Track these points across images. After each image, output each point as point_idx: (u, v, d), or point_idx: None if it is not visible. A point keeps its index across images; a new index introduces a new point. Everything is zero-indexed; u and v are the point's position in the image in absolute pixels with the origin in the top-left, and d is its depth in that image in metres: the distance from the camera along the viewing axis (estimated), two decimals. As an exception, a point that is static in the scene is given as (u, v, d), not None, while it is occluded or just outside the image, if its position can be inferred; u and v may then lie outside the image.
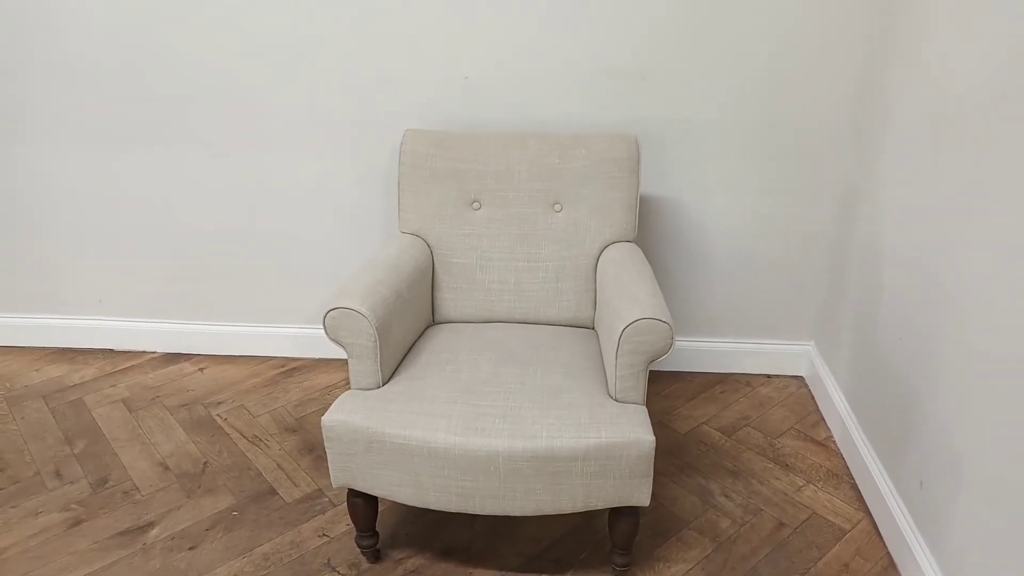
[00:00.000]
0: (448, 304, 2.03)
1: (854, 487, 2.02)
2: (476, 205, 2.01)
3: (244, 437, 2.23)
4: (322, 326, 1.66)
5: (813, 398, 2.40)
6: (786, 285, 2.39)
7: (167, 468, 2.10)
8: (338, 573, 1.76)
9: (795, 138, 2.18)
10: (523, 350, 1.81)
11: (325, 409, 2.35)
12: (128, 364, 2.60)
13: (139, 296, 2.59)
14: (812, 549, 1.82)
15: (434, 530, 1.88)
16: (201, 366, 2.59)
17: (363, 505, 1.70)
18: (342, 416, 1.59)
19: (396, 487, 1.60)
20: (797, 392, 2.44)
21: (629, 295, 1.66)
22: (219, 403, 2.39)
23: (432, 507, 1.60)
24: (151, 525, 1.90)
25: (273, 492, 2.01)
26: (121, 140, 2.34)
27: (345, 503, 1.96)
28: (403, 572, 1.76)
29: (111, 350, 2.68)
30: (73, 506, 1.96)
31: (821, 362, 2.37)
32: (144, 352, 2.67)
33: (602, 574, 1.76)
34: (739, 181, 2.25)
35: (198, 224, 2.45)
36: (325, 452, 2.16)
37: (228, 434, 2.24)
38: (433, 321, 2.05)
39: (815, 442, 2.20)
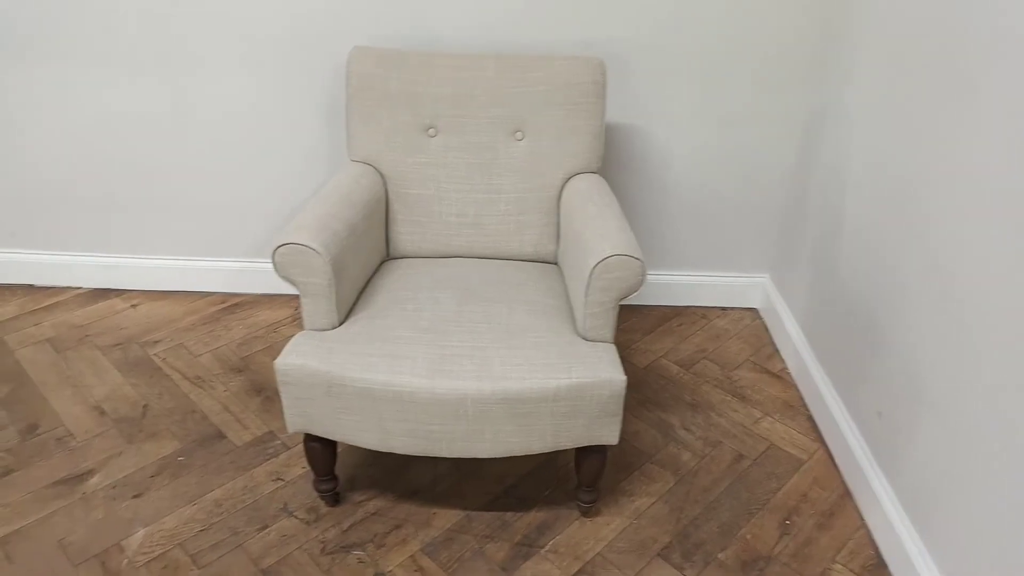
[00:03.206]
0: (403, 238, 1.92)
1: (809, 418, 2.05)
2: (431, 132, 1.88)
3: (186, 378, 2.10)
4: (272, 263, 1.54)
5: (767, 330, 2.41)
6: (744, 217, 2.36)
7: (103, 412, 1.97)
8: (296, 518, 1.70)
9: (759, 65, 2.11)
10: (486, 287, 1.73)
11: (271, 347, 2.24)
12: (51, 301, 2.41)
13: (60, 227, 2.38)
14: (771, 480, 1.85)
15: (395, 471, 1.83)
16: (133, 302, 2.43)
17: (321, 449, 1.63)
18: (298, 359, 1.49)
19: (358, 432, 1.52)
20: (752, 324, 2.45)
21: (598, 230, 1.59)
22: (156, 342, 2.25)
23: (397, 451, 1.54)
24: (90, 473, 1.79)
25: (221, 435, 1.92)
26: (36, 60, 2.10)
27: (299, 445, 1.89)
28: (364, 515, 1.71)
29: (31, 285, 2.48)
30: (1, 455, 1.83)
31: (776, 294, 2.37)
32: (68, 288, 2.48)
33: (567, 510, 1.74)
34: (701, 109, 2.18)
35: (125, 153, 2.25)
36: (274, 393, 2.06)
37: (168, 375, 2.11)
38: (388, 256, 1.95)
39: (770, 374, 2.22)
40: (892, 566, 1.62)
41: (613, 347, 1.58)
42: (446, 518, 1.71)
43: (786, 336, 2.25)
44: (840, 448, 1.88)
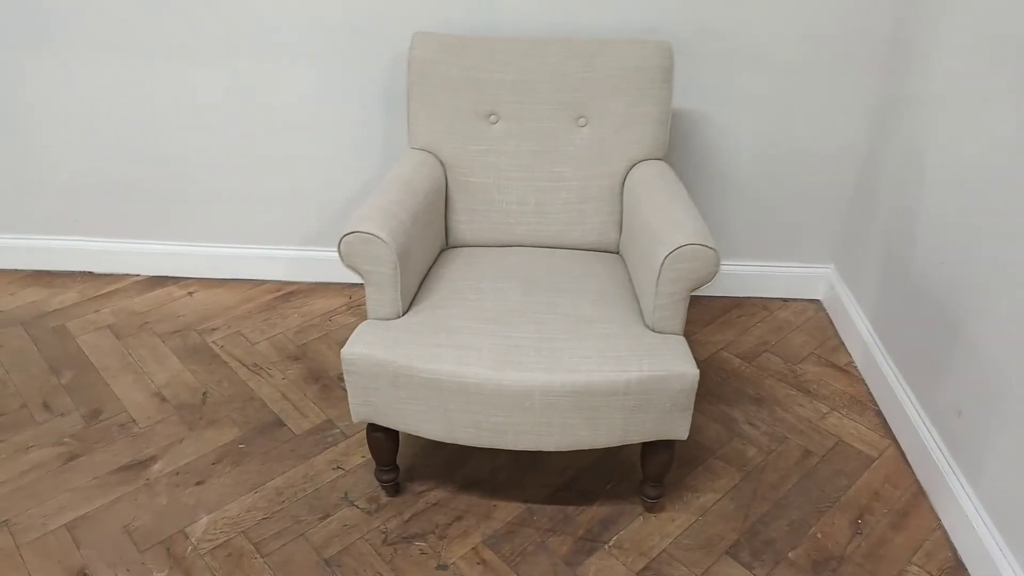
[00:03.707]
0: (463, 227, 1.90)
1: (879, 414, 1.98)
2: (493, 118, 1.85)
3: (244, 366, 2.11)
4: (337, 252, 1.53)
5: (832, 322, 2.34)
6: (808, 206, 2.28)
7: (164, 399, 1.98)
8: (357, 507, 1.69)
9: (827, 49, 2.03)
10: (549, 277, 1.69)
11: (327, 336, 2.23)
12: (111, 288, 2.44)
13: (119, 215, 2.40)
14: (841, 477, 1.79)
15: (455, 462, 1.81)
16: (190, 290, 2.44)
17: (384, 439, 1.61)
18: (364, 349, 1.47)
19: (423, 423, 1.50)
20: (815, 316, 2.38)
21: (668, 219, 1.55)
22: (213, 329, 2.26)
23: (462, 443, 1.52)
24: (153, 459, 1.80)
25: (280, 423, 1.91)
26: (98, 49, 2.11)
27: (358, 434, 1.88)
28: (424, 505, 1.70)
29: (91, 273, 2.51)
30: (66, 440, 1.85)
31: (842, 286, 2.30)
32: (127, 275, 2.50)
33: (630, 504, 1.71)
34: (766, 94, 2.11)
35: (181, 141, 2.25)
36: (332, 381, 2.06)
37: (226, 362, 2.12)
38: (446, 245, 1.92)
39: (836, 367, 2.15)
40: (971, 568, 1.55)
41: (683, 339, 1.53)
42: (507, 510, 1.69)
43: (853, 329, 2.18)
44: (913, 445, 1.81)
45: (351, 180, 2.30)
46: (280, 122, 2.22)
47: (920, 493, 1.75)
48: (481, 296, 1.61)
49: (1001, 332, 1.50)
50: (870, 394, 2.05)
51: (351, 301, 2.39)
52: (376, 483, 1.74)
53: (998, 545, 1.48)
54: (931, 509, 1.71)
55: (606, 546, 1.61)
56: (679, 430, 1.51)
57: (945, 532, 1.65)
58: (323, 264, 2.45)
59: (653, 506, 1.69)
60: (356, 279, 2.46)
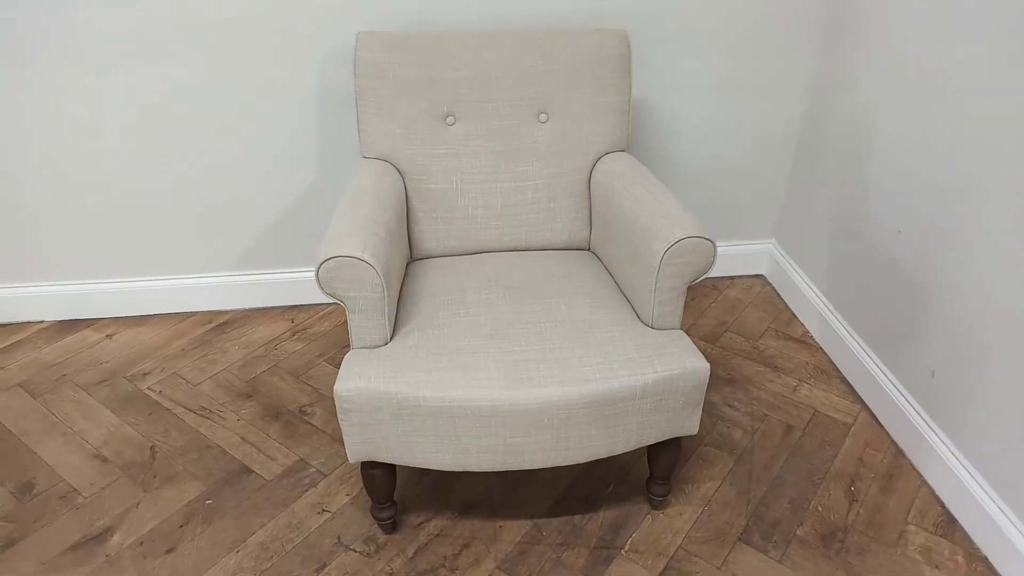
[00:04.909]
0: (426, 236, 1.79)
1: (844, 380, 2.05)
2: (450, 119, 1.75)
3: (190, 411, 1.91)
4: (315, 279, 1.39)
5: (780, 296, 2.40)
6: (749, 183, 2.32)
7: (106, 460, 1.76)
8: (354, 551, 1.56)
9: (764, 29, 2.06)
10: (532, 282, 1.62)
11: (277, 366, 2.06)
12: (13, 339, 2.15)
13: (11, 254, 2.11)
14: (825, 448, 1.84)
15: (444, 486, 1.71)
16: (108, 332, 2.19)
17: (382, 475, 1.50)
18: (361, 383, 1.35)
19: (432, 454, 1.40)
20: (763, 291, 2.43)
21: (659, 213, 1.51)
22: (145, 374, 2.03)
23: (474, 469, 1.43)
24: (109, 531, 1.59)
25: (247, 470, 1.74)
26: (-35, 62, 1.83)
27: (338, 470, 1.74)
28: (427, 538, 1.59)
29: (-18, 324, 2.20)
30: (-3, 523, 1.61)
31: (786, 259, 2.36)
32: (29, 323, 2.21)
33: (635, 504, 1.68)
34: (705, 77, 2.12)
35: (81, 161, 2.00)
36: (294, 416, 1.90)
37: (169, 409, 1.91)
38: (411, 257, 1.81)
39: (795, 339, 2.21)
40: (963, 521, 1.63)
41: (684, 334, 1.51)
42: (513, 530, 1.62)
43: (803, 300, 2.24)
44: (884, 408, 1.88)
45: (285, 193, 2.12)
46: (199, 137, 2.01)
47: (899, 453, 1.82)
48: (470, 310, 1.52)
49: (969, 291, 1.56)
50: (831, 362, 2.11)
51: (295, 325, 2.22)
52: (369, 521, 1.62)
53: (987, 494, 1.55)
54: (913, 468, 1.78)
55: (622, 551, 1.57)
56: (690, 426, 1.49)
57: (931, 489, 1.72)
58: (258, 288, 2.26)
59: (660, 504, 1.66)
60: (296, 301, 2.29)
